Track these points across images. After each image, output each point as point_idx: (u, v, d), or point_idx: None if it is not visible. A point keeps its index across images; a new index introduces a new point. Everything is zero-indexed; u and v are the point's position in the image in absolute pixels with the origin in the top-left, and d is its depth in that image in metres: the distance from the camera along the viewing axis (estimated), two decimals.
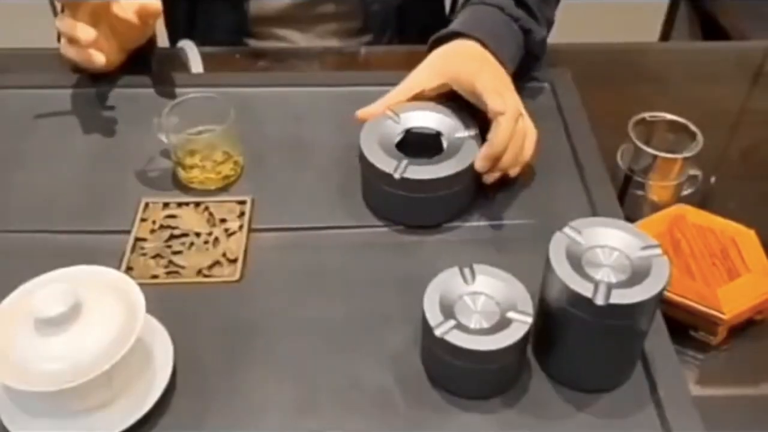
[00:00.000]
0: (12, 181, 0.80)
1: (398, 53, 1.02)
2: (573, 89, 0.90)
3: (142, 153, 0.82)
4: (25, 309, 0.56)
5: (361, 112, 0.77)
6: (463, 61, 0.77)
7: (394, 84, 0.79)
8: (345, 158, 0.80)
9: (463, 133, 0.74)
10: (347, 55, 1.03)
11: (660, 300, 0.57)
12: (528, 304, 0.59)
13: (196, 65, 0.95)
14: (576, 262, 0.57)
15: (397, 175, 0.70)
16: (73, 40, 0.82)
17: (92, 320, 0.56)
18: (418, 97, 0.77)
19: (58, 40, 0.87)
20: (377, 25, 1.08)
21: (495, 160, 0.70)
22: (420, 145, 0.74)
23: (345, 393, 0.61)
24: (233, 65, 0.99)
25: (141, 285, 0.60)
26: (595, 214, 0.74)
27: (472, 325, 0.58)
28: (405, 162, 0.71)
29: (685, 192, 0.79)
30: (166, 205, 0.76)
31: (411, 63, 0.80)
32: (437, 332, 0.57)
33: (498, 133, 0.68)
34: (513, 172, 0.74)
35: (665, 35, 2.04)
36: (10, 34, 1.38)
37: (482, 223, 0.75)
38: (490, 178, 0.73)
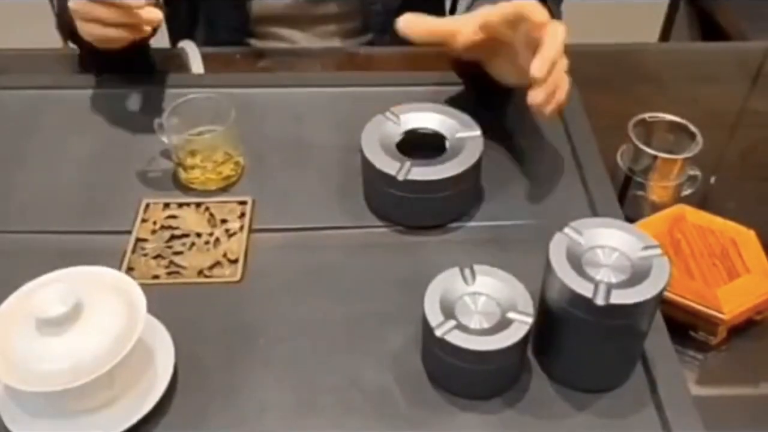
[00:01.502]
0: (12, 181, 0.80)
1: (399, 54, 1.02)
2: (573, 89, 0.89)
3: (143, 153, 0.82)
4: (26, 309, 0.56)
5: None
6: None
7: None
8: (345, 158, 0.80)
9: (464, 133, 0.74)
10: (348, 55, 1.03)
11: (660, 300, 0.57)
12: (528, 305, 0.59)
13: (197, 66, 0.95)
14: (576, 262, 0.57)
15: (401, 177, 0.70)
16: (95, 20, 0.76)
17: (93, 321, 0.56)
18: (485, 27, 0.71)
19: (69, 27, 0.83)
20: (378, 25, 1.08)
21: (552, 65, 0.66)
22: (420, 145, 0.74)
23: (345, 393, 0.61)
24: (234, 66, 0.99)
25: (142, 285, 0.60)
26: (595, 214, 0.74)
27: (472, 326, 0.58)
28: (408, 164, 0.71)
29: (685, 192, 0.79)
30: (166, 205, 0.76)
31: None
32: (438, 332, 0.57)
33: (550, 39, 0.66)
34: (548, 110, 0.69)
35: (665, 35, 2.04)
36: (10, 34, 1.38)
37: (482, 223, 0.75)
38: (547, 108, 0.67)
